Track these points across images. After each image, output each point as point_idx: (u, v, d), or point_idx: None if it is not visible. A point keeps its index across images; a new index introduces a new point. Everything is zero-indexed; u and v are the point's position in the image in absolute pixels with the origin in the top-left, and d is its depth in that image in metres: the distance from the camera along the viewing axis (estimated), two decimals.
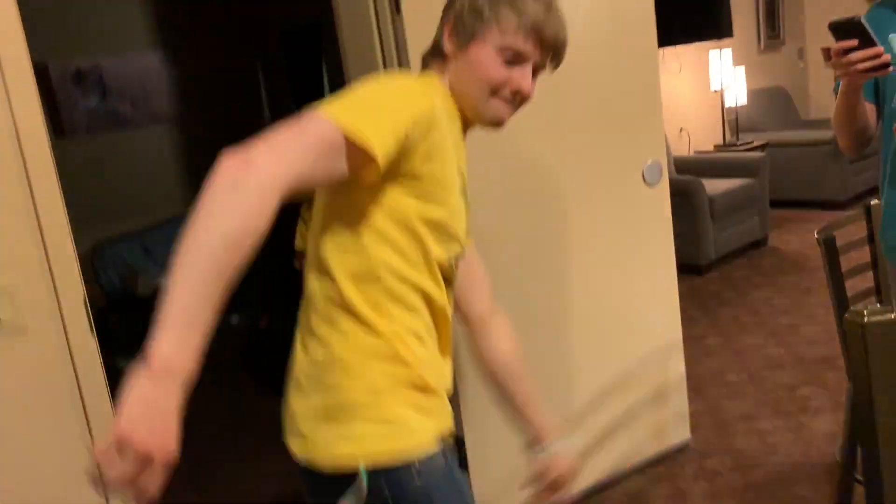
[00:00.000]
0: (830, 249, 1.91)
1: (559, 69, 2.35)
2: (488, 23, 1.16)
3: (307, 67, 5.39)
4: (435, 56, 1.24)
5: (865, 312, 0.83)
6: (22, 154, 1.54)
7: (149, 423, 0.79)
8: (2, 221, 1.52)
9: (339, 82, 2.19)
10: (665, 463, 2.69)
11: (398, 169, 1.06)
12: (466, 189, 1.22)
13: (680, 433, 2.75)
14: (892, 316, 0.82)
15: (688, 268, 4.70)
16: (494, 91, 1.18)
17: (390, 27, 2.04)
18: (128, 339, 4.77)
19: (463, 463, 2.27)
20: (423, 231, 1.12)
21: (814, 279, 4.41)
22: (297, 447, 1.15)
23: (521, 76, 1.18)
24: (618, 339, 2.54)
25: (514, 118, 1.24)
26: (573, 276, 2.41)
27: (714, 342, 3.73)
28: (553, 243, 2.35)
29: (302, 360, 1.17)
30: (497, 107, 1.20)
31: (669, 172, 4.65)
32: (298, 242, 3.21)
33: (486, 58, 1.17)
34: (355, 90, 1.05)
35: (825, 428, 2.77)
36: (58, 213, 1.58)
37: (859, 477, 2.06)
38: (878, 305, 0.85)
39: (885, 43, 1.61)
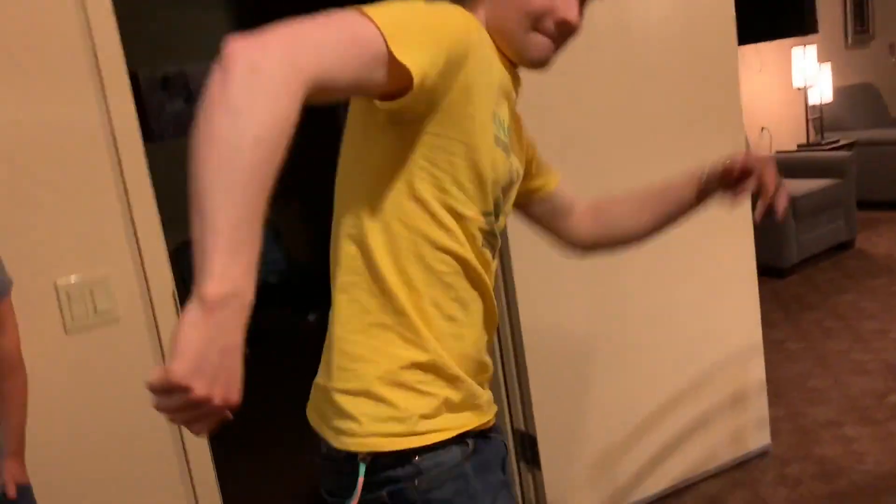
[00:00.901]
0: None
1: (636, 68, 2.34)
2: None
3: None
4: None
5: None
6: (118, 155, 1.63)
7: (211, 368, 0.65)
8: (99, 218, 1.62)
9: None
10: (744, 468, 2.62)
11: (433, 104, 0.90)
12: (510, 141, 1.04)
13: (760, 438, 2.67)
14: None
15: (769, 270, 4.56)
16: (536, 23, 1.01)
17: None
18: None
19: (536, 462, 2.27)
20: (454, 187, 0.94)
21: None
22: (311, 420, 1.05)
23: (566, 4, 1.01)
24: (696, 342, 2.50)
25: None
26: (651, 276, 2.38)
27: (796, 346, 3.61)
28: None
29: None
30: (539, 42, 1.02)
31: None
32: None
33: None
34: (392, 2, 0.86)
35: None
36: (150, 211, 1.67)
37: None
38: None
39: None
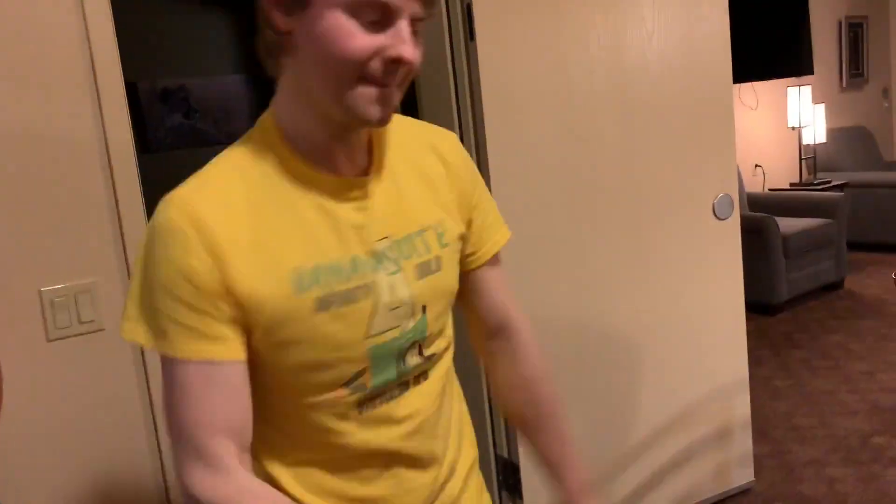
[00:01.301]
0: None
1: (634, 98, 2.36)
2: None
3: None
4: (271, 53, 0.86)
5: None
6: (110, 165, 1.63)
7: None
8: (88, 226, 1.61)
9: (411, 105, 2.25)
10: None
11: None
12: (357, 271, 0.86)
13: (743, 475, 2.66)
14: None
15: (758, 307, 4.57)
16: (359, 72, 0.79)
17: (464, 53, 2.08)
18: None
19: (517, 490, 2.25)
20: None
21: (892, 324, 4.22)
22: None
23: (396, 38, 0.79)
24: (681, 374, 2.49)
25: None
26: (638, 306, 2.38)
27: (783, 384, 3.61)
28: (618, 273, 2.33)
29: None
30: (368, 95, 0.80)
31: (742, 209, 4.55)
32: None
33: (333, 26, 0.78)
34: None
35: None
36: (139, 221, 1.66)
37: None
38: None
39: None
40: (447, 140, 1.01)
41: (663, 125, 2.35)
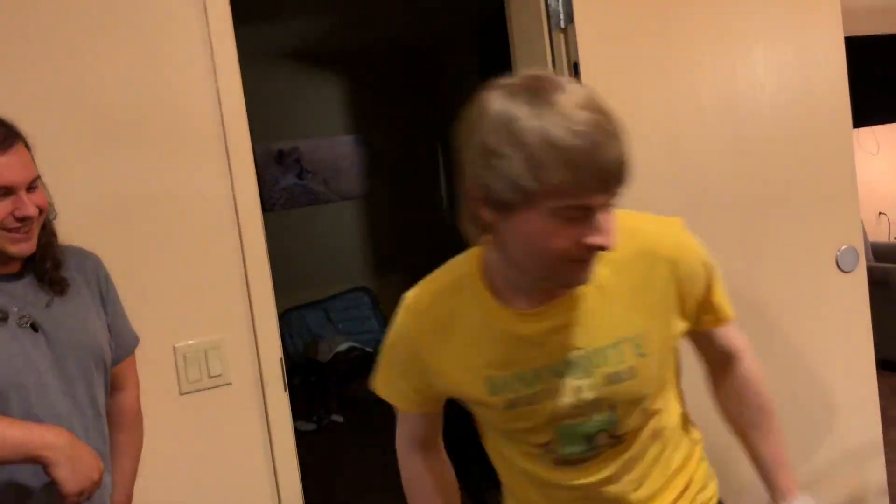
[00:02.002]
0: None
1: (746, 149, 2.30)
2: (531, 191, 0.88)
3: None
4: (474, 226, 0.99)
5: None
6: (238, 224, 1.73)
7: None
8: (218, 284, 1.71)
9: None
10: None
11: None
12: (540, 380, 1.03)
13: None
14: None
15: (888, 364, 4.27)
16: (562, 259, 0.92)
17: None
18: (306, 402, 5.05)
19: None
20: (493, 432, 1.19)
21: None
22: None
23: (593, 227, 0.91)
24: (807, 438, 2.35)
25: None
26: (763, 368, 2.28)
27: None
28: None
29: None
30: (572, 271, 0.94)
31: (867, 259, 4.31)
32: None
33: (538, 228, 0.90)
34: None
35: None
36: (265, 279, 1.75)
37: None
38: None
39: None
40: (673, 245, 1.10)
41: (779, 175, 2.27)
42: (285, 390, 1.77)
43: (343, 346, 5.18)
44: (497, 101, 0.90)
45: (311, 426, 4.72)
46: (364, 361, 5.11)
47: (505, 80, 0.93)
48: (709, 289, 1.13)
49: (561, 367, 1.02)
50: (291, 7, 4.31)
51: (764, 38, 2.23)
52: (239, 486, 1.74)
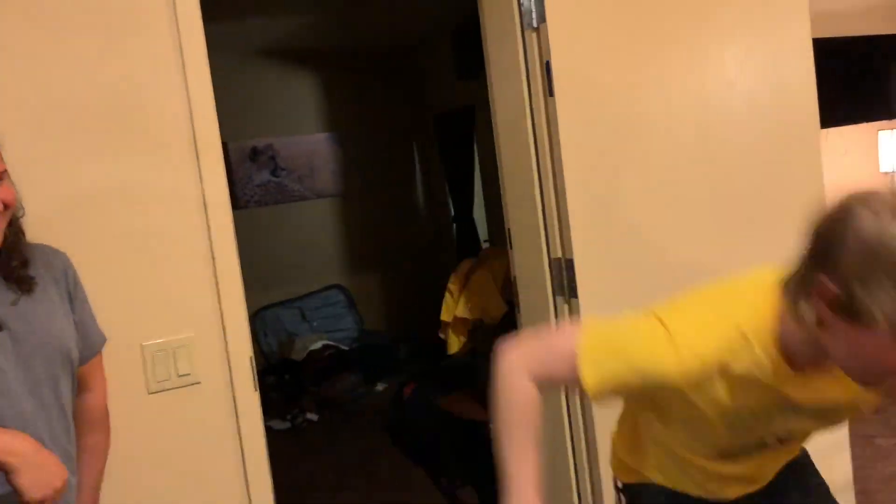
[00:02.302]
0: None
1: (715, 149, 2.32)
2: (882, 324, 0.93)
3: (459, 147, 5.62)
4: (798, 290, 1.06)
5: None
6: (207, 222, 1.72)
7: None
8: (187, 282, 1.70)
9: (490, 161, 2.28)
10: None
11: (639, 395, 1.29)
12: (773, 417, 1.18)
13: None
14: None
15: None
16: (891, 374, 1.00)
17: (543, 109, 2.11)
18: (281, 401, 5.03)
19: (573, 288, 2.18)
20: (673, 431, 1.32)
21: None
22: None
23: None
24: None
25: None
26: None
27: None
28: None
29: None
30: (891, 385, 1.06)
31: None
32: (444, 314, 3.30)
33: (883, 346, 0.94)
34: (618, 327, 1.22)
35: None
36: (234, 276, 1.74)
37: None
38: None
39: None
40: None
41: (747, 172, 2.30)
42: (256, 389, 1.76)
43: (317, 345, 5.17)
44: None
45: (285, 425, 4.69)
46: (339, 360, 5.10)
47: None
48: None
49: (800, 409, 1.15)
50: (267, 4, 4.28)
51: (734, 38, 2.26)
52: (208, 486, 1.73)
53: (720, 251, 2.29)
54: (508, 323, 2.70)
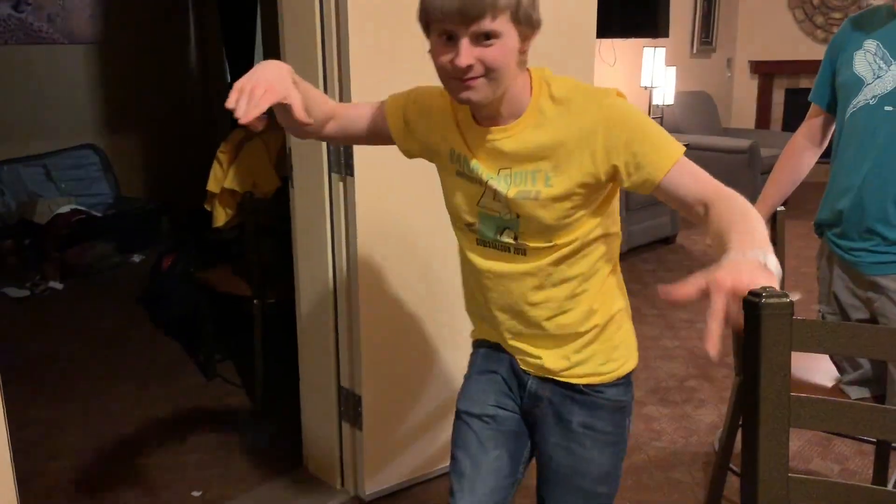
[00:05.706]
0: None
1: None
2: (424, 17, 1.20)
3: (241, 12, 5.19)
4: None
5: (763, 294, 0.88)
6: None
7: None
8: None
9: (272, 32, 2.12)
10: None
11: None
12: (475, 172, 1.32)
13: None
14: (788, 300, 0.86)
15: None
16: (446, 76, 1.21)
17: None
18: (19, 267, 4.55)
19: (358, 422, 2.27)
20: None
21: None
22: None
23: (454, 51, 1.17)
24: None
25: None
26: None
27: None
28: None
29: None
30: (452, 88, 1.23)
31: None
32: (211, 184, 3.11)
33: (433, 45, 1.21)
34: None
35: (707, 419, 2.91)
36: None
37: (734, 467, 2.17)
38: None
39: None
40: (607, 105, 1.37)
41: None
42: None
43: (65, 208, 4.69)
44: None
45: (23, 292, 4.28)
46: (89, 226, 4.68)
47: None
48: (631, 147, 1.29)
49: (494, 176, 1.30)
50: None
51: None
52: None
53: None
54: (280, 199, 2.61)
